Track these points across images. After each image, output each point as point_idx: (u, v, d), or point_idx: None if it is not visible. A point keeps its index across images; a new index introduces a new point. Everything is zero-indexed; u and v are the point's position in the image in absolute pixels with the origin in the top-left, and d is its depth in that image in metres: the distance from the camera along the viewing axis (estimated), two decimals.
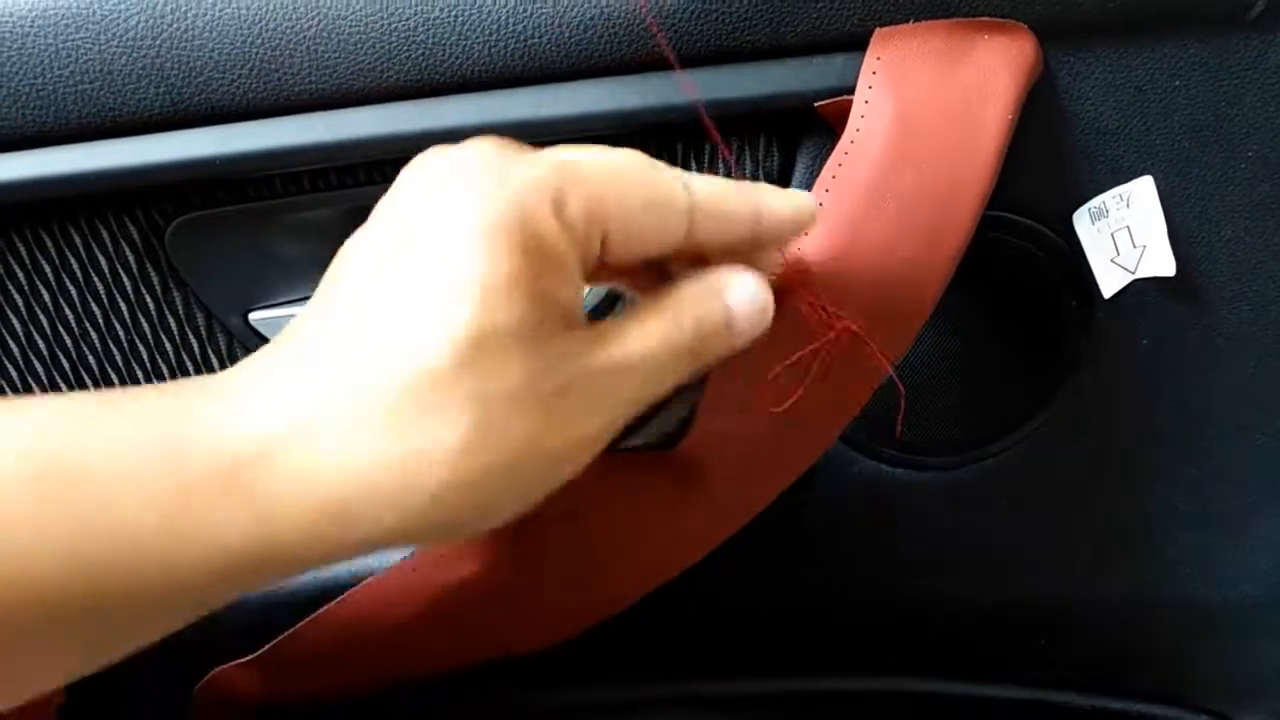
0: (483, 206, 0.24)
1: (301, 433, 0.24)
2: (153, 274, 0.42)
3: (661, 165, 0.28)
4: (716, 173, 0.42)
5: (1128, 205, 0.40)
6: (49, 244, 0.40)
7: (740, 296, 0.28)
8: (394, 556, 0.40)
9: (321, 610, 0.39)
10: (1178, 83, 0.38)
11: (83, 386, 0.44)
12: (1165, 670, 0.51)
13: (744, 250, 0.30)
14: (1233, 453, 0.45)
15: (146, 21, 0.36)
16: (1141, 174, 0.39)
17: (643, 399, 0.27)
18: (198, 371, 0.44)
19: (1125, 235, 0.40)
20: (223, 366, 0.45)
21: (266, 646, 0.39)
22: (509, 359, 0.24)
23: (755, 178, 0.42)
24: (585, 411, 0.25)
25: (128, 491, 0.22)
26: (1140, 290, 0.41)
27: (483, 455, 0.24)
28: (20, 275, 0.41)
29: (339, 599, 0.39)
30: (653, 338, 0.27)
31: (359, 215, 0.43)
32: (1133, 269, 0.40)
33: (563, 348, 0.25)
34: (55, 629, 0.23)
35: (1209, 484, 0.45)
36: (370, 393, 0.24)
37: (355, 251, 0.27)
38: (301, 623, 0.39)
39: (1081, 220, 0.41)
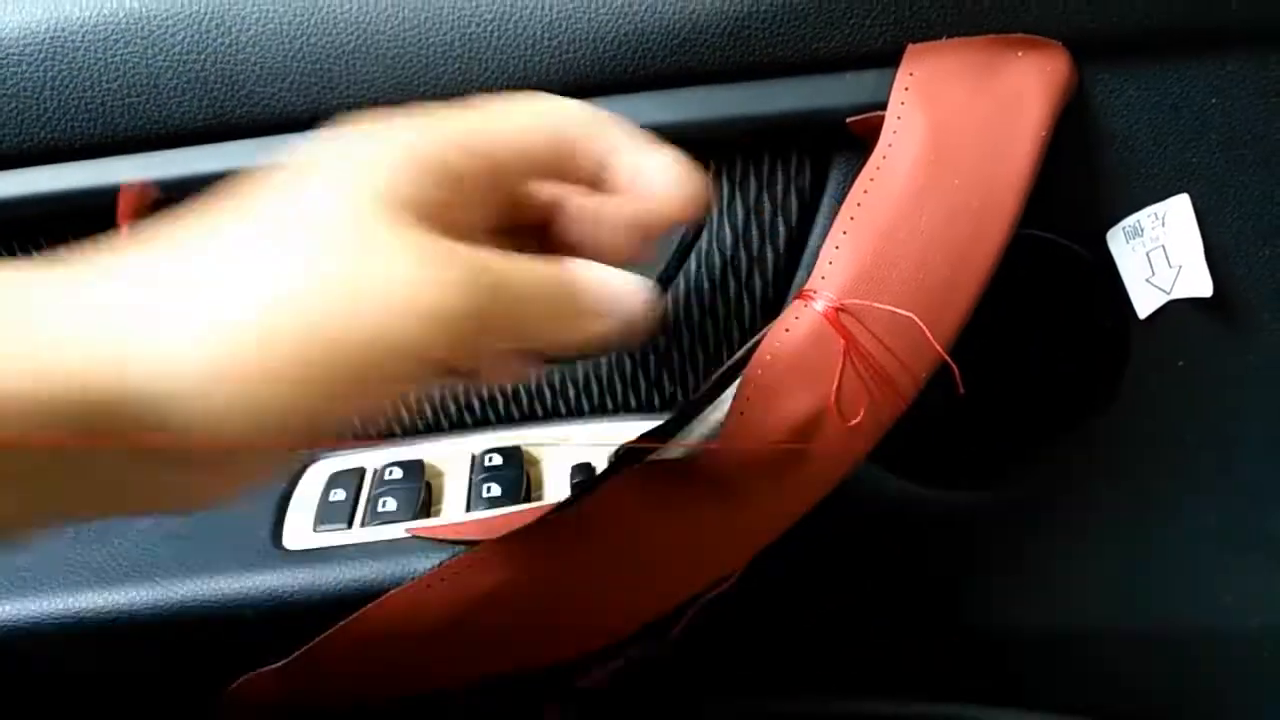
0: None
1: None
2: None
3: None
4: (748, 191, 0.42)
5: (1163, 224, 0.40)
6: None
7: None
8: (423, 565, 0.40)
9: (350, 619, 0.39)
10: (1214, 100, 0.38)
11: None
12: (1200, 701, 0.50)
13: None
14: (1271, 475, 0.44)
15: (191, 36, 0.36)
16: (1177, 192, 0.39)
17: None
18: None
19: (1161, 255, 0.40)
20: None
21: (294, 654, 0.40)
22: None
23: (787, 194, 0.42)
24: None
25: None
26: (1176, 311, 0.40)
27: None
28: None
29: (368, 607, 0.39)
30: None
31: None
32: (1169, 289, 0.40)
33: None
34: None
35: (1246, 507, 0.44)
36: None
37: None
38: (329, 630, 0.39)
39: (1116, 239, 0.40)
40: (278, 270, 0.22)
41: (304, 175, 0.24)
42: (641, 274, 0.30)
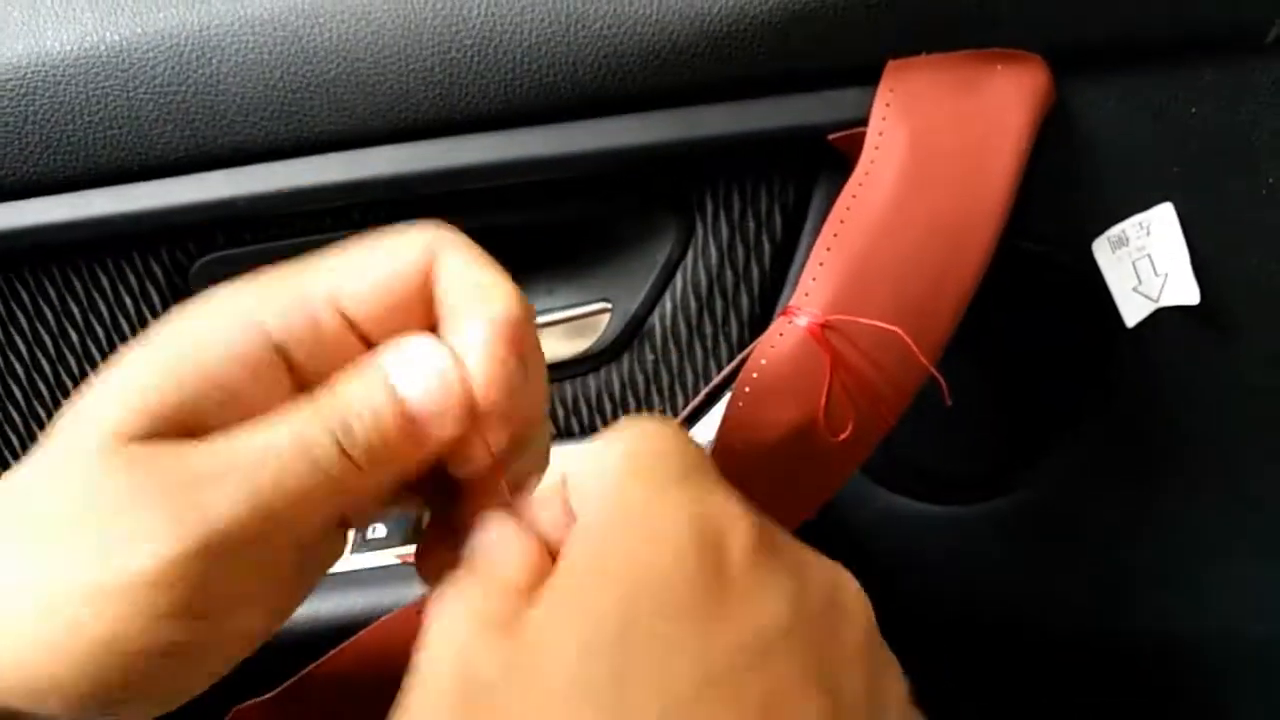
0: None
1: None
2: None
3: None
4: (733, 210, 0.42)
5: (1148, 233, 0.40)
6: (77, 285, 0.41)
7: (406, 372, 0.24)
8: (414, 592, 0.40)
9: (340, 647, 0.39)
10: (1194, 109, 0.38)
11: None
12: (1199, 709, 0.49)
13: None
14: (1262, 480, 0.44)
15: (173, 69, 0.36)
16: (1161, 201, 0.39)
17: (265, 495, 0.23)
18: None
19: (1147, 263, 0.40)
20: None
21: (284, 685, 0.39)
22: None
23: (771, 212, 0.42)
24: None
25: None
26: (1164, 319, 0.40)
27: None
28: (49, 317, 0.42)
29: (359, 635, 0.38)
30: (279, 432, 0.23)
31: None
32: (1155, 297, 0.40)
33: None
34: None
35: (1239, 512, 0.44)
36: None
37: None
38: (319, 660, 0.39)
39: (1101, 249, 0.41)
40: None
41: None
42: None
